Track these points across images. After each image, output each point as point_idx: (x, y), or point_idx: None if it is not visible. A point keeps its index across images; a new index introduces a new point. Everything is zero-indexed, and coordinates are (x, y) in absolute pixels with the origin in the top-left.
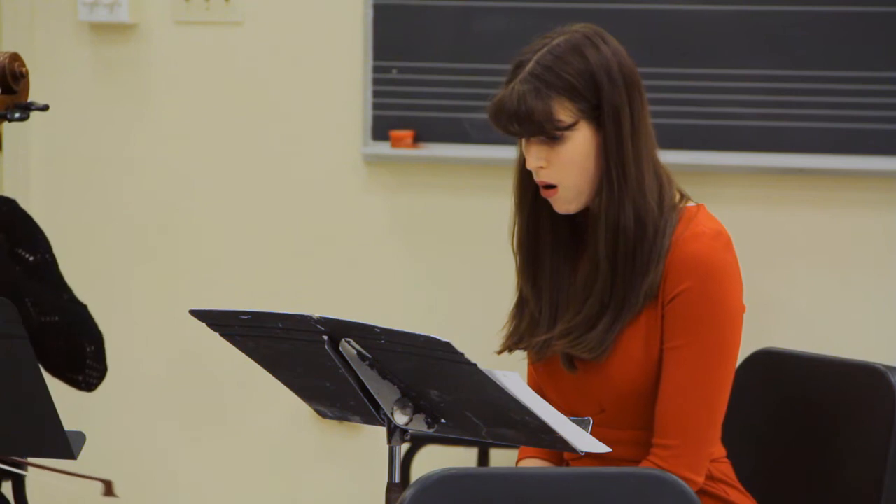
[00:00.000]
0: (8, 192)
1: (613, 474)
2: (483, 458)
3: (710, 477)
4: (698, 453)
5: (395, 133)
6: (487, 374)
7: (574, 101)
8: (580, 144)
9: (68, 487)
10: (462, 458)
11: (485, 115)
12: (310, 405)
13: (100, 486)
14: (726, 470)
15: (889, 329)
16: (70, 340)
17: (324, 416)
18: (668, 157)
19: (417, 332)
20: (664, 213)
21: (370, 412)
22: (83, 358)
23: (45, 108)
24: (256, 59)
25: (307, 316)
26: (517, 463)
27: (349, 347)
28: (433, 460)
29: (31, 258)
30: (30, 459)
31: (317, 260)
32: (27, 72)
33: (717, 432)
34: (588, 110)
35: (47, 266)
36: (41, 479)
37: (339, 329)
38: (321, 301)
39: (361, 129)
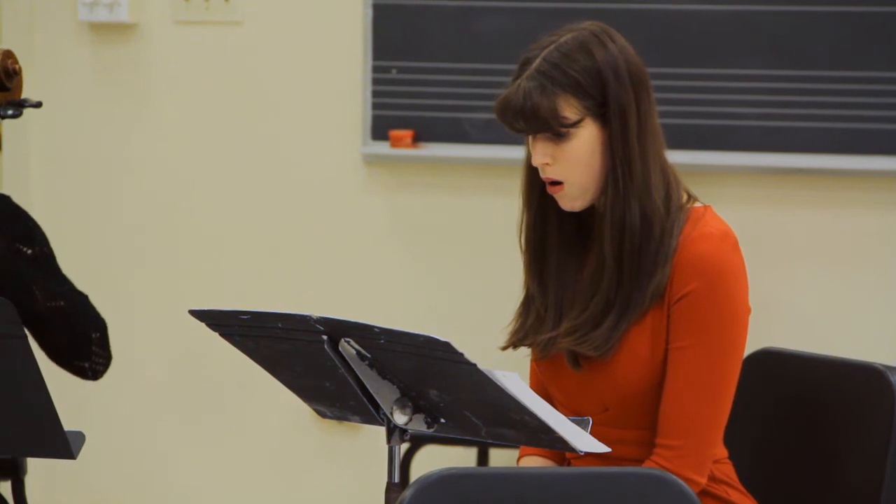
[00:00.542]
0: (8, 192)
1: (613, 474)
2: (483, 458)
3: (711, 478)
4: (702, 454)
5: (394, 133)
6: (487, 373)
7: (580, 98)
8: (586, 142)
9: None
10: (462, 457)
11: (484, 115)
12: (310, 405)
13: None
14: (728, 471)
15: (889, 329)
16: (76, 327)
17: (324, 416)
18: (669, 157)
19: (417, 331)
20: (671, 213)
21: (370, 412)
22: (89, 344)
23: (38, 104)
24: (256, 59)
25: (307, 316)
26: (518, 460)
27: (349, 347)
28: (433, 460)
29: (30, 251)
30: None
31: (316, 260)
32: (20, 69)
33: (721, 433)
34: (594, 108)
35: (46, 259)
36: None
37: (338, 329)
38: (321, 301)
39: (361, 128)
